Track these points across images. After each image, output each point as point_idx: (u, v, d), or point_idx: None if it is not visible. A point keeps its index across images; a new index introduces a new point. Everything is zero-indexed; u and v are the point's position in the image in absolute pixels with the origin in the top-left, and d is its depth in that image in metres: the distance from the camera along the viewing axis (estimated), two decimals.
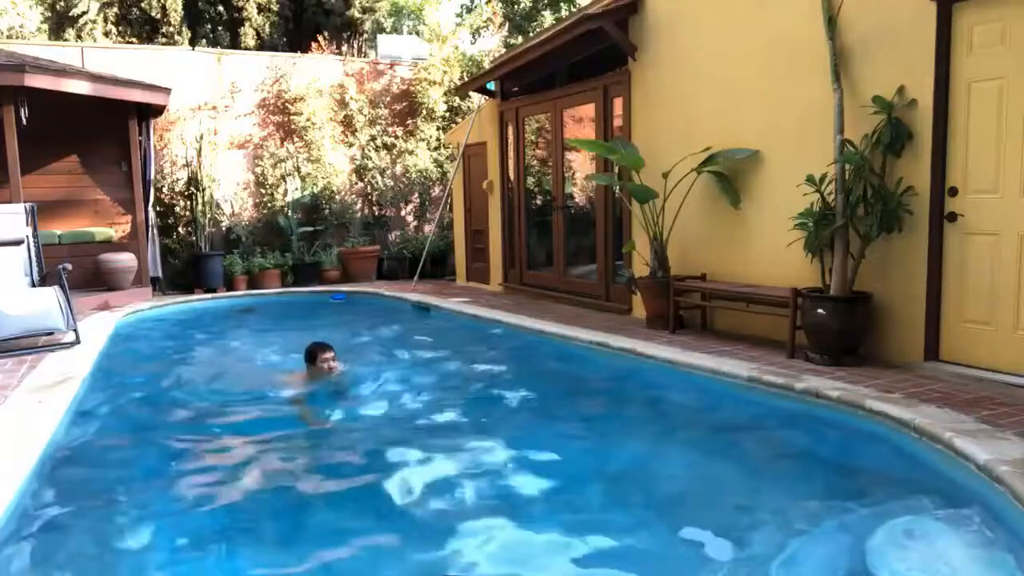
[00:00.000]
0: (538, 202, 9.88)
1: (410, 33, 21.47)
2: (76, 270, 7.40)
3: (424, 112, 12.79)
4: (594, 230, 8.32)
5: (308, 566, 2.90)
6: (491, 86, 10.00)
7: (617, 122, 7.92)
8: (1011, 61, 4.46)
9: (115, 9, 16.84)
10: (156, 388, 5.82)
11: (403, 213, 12.96)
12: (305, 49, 13.77)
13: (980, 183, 4.69)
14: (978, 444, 3.35)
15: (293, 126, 11.85)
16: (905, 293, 5.09)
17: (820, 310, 5.14)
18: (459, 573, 2.81)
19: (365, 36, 18.42)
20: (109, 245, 9.85)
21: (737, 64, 6.31)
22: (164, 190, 10.98)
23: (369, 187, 12.52)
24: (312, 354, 5.50)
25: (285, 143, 11.85)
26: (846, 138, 5.21)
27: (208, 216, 11.03)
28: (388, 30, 20.82)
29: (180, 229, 11.08)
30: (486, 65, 11.81)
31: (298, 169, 11.83)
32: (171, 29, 16.54)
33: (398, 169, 12.73)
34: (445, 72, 12.76)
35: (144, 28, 16.81)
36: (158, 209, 10.83)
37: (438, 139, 12.88)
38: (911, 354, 5.06)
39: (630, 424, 4.78)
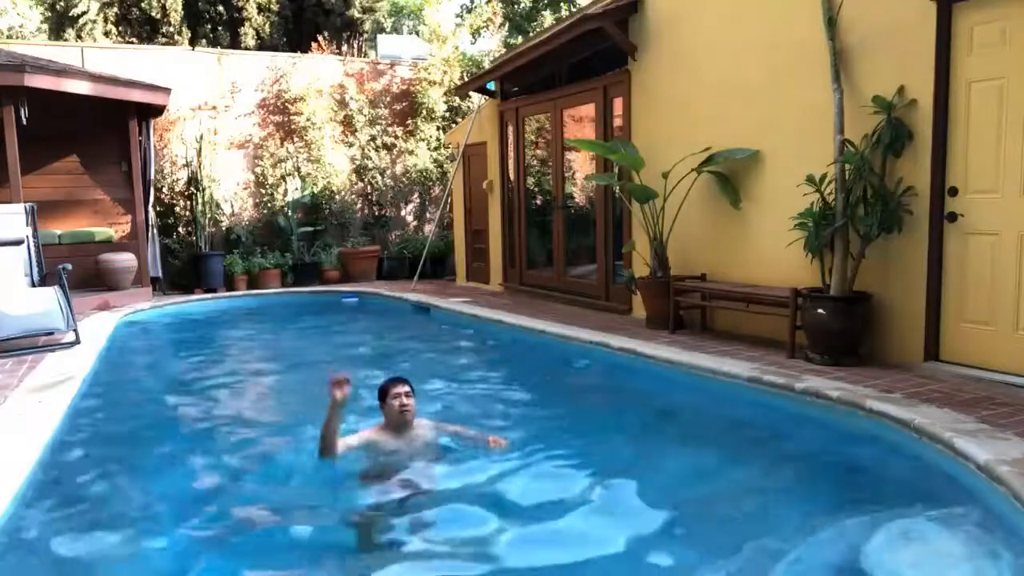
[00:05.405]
0: (538, 202, 9.87)
1: (410, 33, 21.50)
2: (76, 270, 7.39)
3: (424, 112, 12.78)
4: (594, 230, 8.31)
5: None
6: (491, 86, 10.00)
7: (617, 122, 7.91)
8: (1011, 61, 4.46)
9: (115, 9, 16.84)
10: (156, 388, 5.82)
11: (403, 213, 12.96)
12: (305, 49, 13.76)
13: (980, 183, 4.68)
14: (978, 444, 3.34)
15: (293, 126, 11.85)
16: (905, 293, 5.09)
17: (820, 310, 5.14)
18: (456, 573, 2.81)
19: (365, 36, 18.42)
20: (109, 245, 9.84)
21: (737, 64, 6.31)
22: (164, 190, 10.98)
23: (369, 187, 12.51)
24: (382, 391, 4.02)
25: (285, 143, 11.85)
26: (846, 138, 5.20)
27: (208, 216, 11.02)
28: (388, 30, 20.83)
29: (180, 229, 11.08)
30: (486, 65, 11.81)
31: (298, 169, 11.82)
32: (171, 29, 16.54)
33: (398, 169, 12.73)
34: (445, 72, 12.76)
35: (144, 28, 16.80)
36: (158, 209, 10.83)
37: (438, 139, 12.88)
38: (911, 354, 5.05)
39: (629, 424, 4.77)
